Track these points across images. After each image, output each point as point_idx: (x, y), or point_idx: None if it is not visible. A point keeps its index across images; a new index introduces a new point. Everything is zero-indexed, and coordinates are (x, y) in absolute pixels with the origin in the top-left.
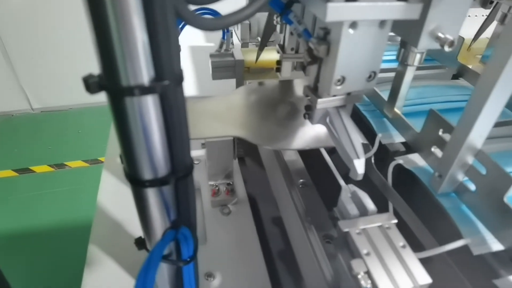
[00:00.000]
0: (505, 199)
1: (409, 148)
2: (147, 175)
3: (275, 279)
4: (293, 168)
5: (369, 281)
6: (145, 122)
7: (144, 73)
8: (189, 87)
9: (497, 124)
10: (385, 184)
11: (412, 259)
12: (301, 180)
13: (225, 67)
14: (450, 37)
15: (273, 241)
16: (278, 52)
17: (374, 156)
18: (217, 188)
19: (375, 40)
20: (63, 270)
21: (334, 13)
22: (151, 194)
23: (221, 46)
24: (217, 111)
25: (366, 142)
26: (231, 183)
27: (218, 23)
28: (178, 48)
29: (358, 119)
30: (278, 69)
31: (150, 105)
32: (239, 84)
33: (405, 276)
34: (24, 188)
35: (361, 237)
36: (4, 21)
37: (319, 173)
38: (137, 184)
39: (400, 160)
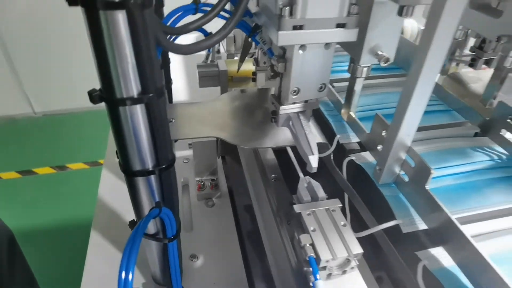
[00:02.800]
0: (427, 187)
1: (362, 147)
2: (137, 166)
3: (247, 259)
4: (267, 164)
5: (313, 251)
6: (135, 125)
7: (134, 88)
8: (181, 92)
9: (426, 128)
10: (340, 176)
11: (350, 235)
12: (273, 175)
13: (210, 76)
14: (386, 54)
15: (245, 227)
16: (253, 65)
17: (333, 154)
18: (202, 183)
19: (323, 58)
20: (66, 269)
21: (284, 39)
22: (141, 182)
23: (207, 58)
24: (202, 115)
25: (325, 141)
26: (215, 179)
27: (191, 49)
28: (159, 69)
29: (322, 121)
30: (254, 79)
31: (139, 112)
32: (223, 91)
33: (342, 247)
34: (27, 190)
35: (310, 217)
36: (8, 26)
37: (290, 169)
38: (129, 174)
39: (353, 157)
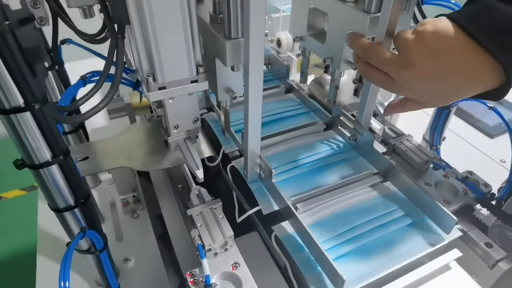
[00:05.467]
0: (273, 181)
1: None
2: (61, 205)
3: (164, 254)
4: (175, 176)
5: (200, 240)
6: (56, 183)
7: (47, 153)
8: (97, 121)
9: (289, 130)
10: (227, 179)
11: (225, 224)
12: (180, 185)
13: (118, 108)
14: (236, 93)
15: (158, 230)
16: None
17: (221, 162)
18: (125, 200)
19: (189, 101)
20: None
21: (153, 97)
22: (68, 215)
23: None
24: (112, 149)
25: (213, 154)
26: (135, 195)
27: (84, 117)
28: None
29: (212, 135)
30: (151, 111)
31: (57, 173)
32: (131, 118)
33: (219, 233)
34: None
35: (198, 216)
36: None
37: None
38: (57, 211)
39: (233, 163)
